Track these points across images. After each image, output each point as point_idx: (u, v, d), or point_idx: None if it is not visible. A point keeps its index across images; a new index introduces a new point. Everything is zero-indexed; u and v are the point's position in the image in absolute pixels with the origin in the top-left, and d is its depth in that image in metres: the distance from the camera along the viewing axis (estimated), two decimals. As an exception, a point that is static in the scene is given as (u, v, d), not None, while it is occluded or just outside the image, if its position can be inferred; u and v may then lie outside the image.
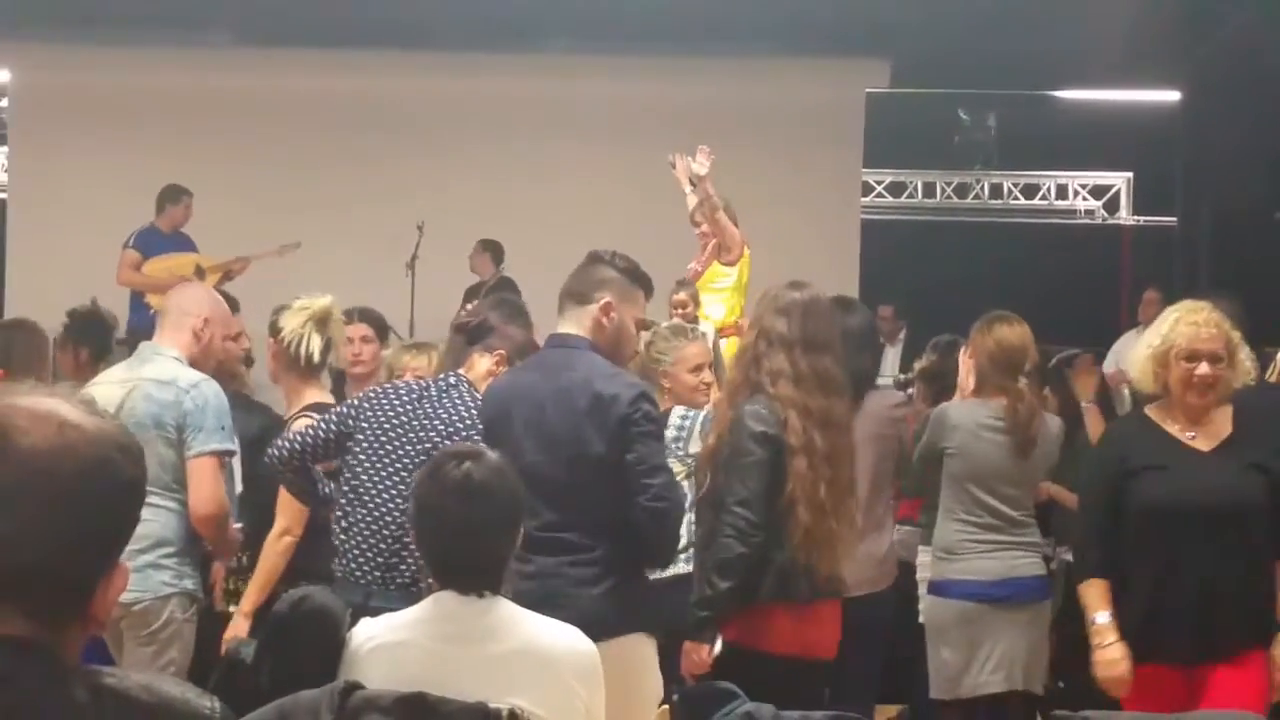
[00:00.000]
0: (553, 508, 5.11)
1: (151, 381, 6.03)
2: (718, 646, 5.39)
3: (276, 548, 6.15)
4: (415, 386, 5.80)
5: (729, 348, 9.63)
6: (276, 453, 5.78)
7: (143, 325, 10.95)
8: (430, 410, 5.66)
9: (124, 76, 15.53)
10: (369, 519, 5.61)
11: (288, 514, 6.12)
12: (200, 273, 12.90)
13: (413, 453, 5.60)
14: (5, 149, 16.84)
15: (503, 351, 5.85)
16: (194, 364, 6.13)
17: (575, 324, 5.39)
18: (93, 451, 2.06)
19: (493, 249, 14.28)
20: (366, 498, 5.64)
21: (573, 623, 4.23)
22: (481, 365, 5.86)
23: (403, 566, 5.52)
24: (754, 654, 5.37)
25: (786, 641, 5.45)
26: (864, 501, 6.33)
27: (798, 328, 5.57)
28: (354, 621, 4.08)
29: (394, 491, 5.58)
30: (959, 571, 6.51)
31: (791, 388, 5.48)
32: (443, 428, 5.62)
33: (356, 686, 3.78)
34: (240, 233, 13.64)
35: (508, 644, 3.96)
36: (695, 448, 6.47)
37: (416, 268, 13.99)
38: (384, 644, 3.98)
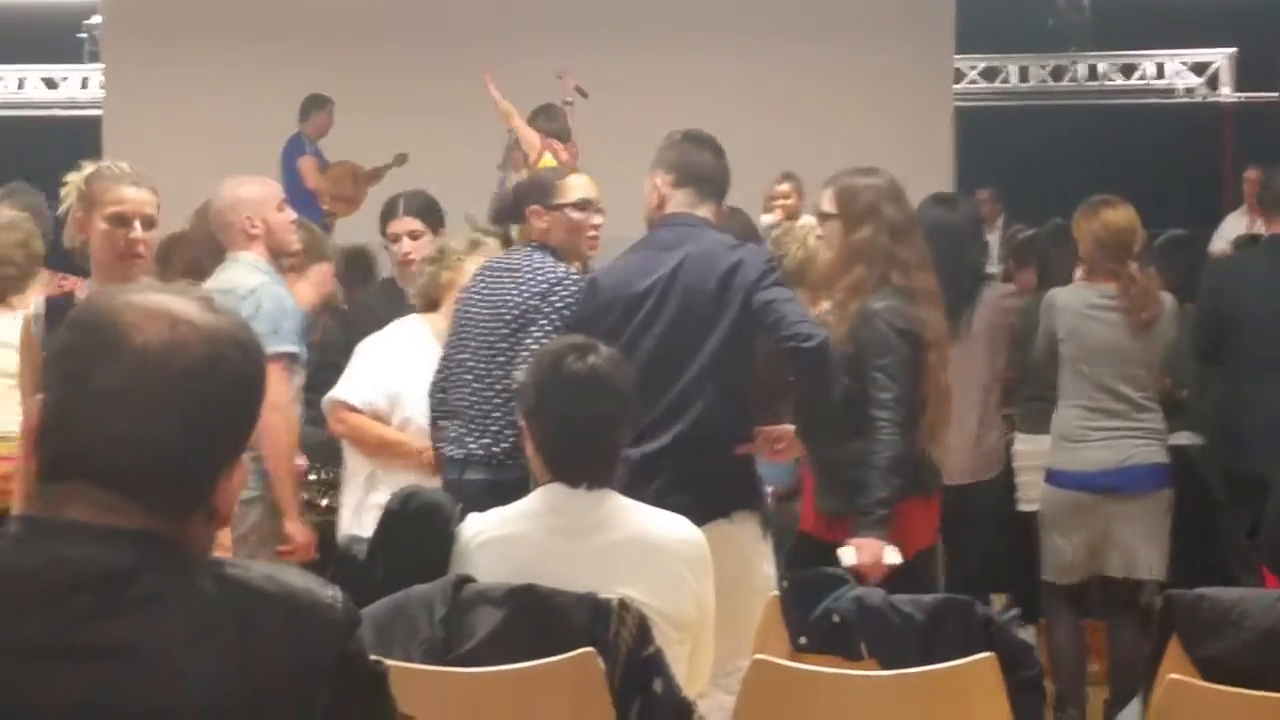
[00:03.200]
0: (664, 387, 5.14)
1: (216, 292, 6.05)
2: (895, 553, 5.17)
3: None
4: (494, 263, 5.88)
5: None
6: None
7: None
8: (508, 282, 5.75)
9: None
10: (460, 396, 5.73)
11: None
12: (356, 180, 13.10)
13: (490, 326, 5.69)
14: (100, 67, 16.96)
15: None
16: (274, 254, 5.99)
17: (706, 212, 5.42)
18: (205, 348, 2.06)
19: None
20: (456, 374, 5.75)
21: (681, 505, 4.30)
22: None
23: (492, 439, 5.61)
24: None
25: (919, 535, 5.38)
26: (983, 391, 6.34)
27: (910, 212, 5.52)
28: (462, 516, 4.12)
29: (480, 369, 5.70)
30: (1074, 462, 6.47)
31: (924, 276, 5.37)
32: (518, 297, 5.68)
33: (468, 579, 3.83)
34: (340, 143, 13.69)
35: (617, 535, 3.99)
36: None
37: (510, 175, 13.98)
38: (494, 538, 4.01)
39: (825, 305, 5.61)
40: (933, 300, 5.38)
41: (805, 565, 5.04)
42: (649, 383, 4.91)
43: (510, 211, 6.04)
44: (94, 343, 2.07)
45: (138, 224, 5.08)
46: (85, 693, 1.95)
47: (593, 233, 5.85)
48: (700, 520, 4.53)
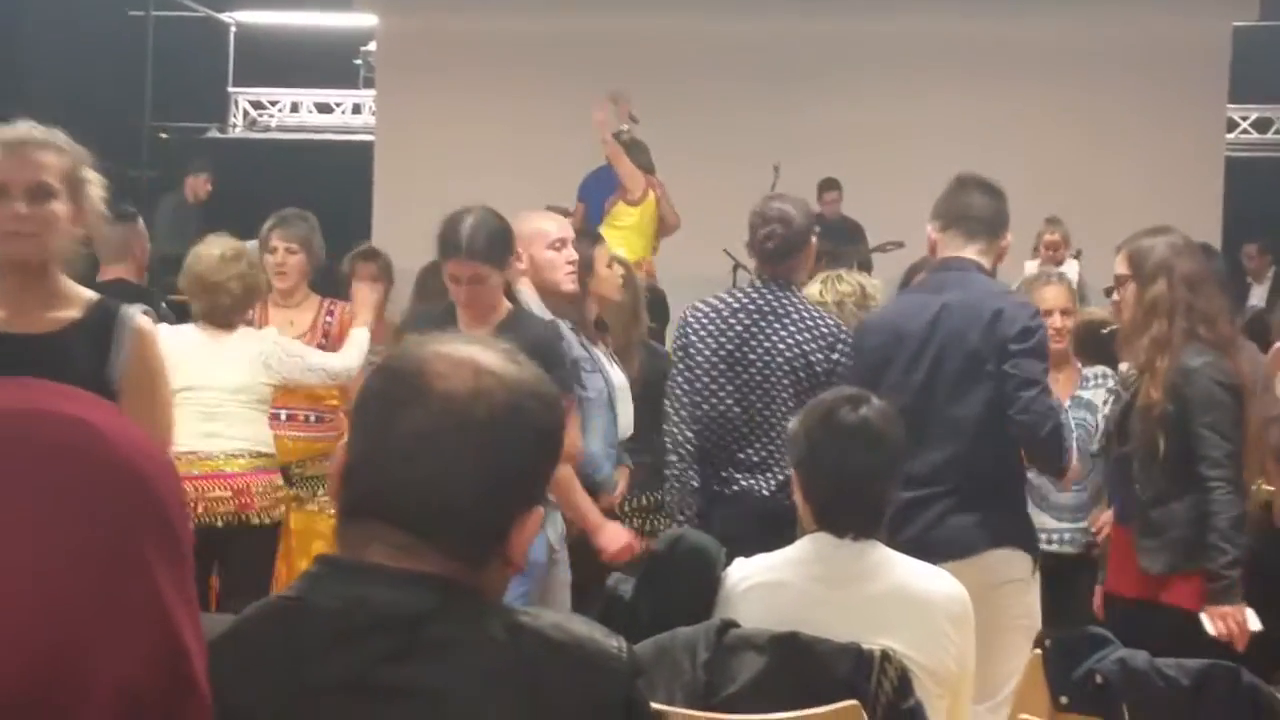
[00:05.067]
0: (927, 435, 5.15)
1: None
2: (1254, 618, 5.15)
3: None
4: (748, 302, 5.96)
5: None
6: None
7: None
8: (779, 328, 5.85)
9: (484, 19, 15.87)
10: (720, 436, 5.86)
11: None
12: None
13: (769, 373, 5.82)
14: (373, 92, 17.34)
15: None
16: (542, 292, 6.05)
17: (976, 252, 5.45)
18: (507, 398, 2.12)
19: (838, 186, 14.47)
20: (707, 408, 5.88)
21: (939, 544, 4.57)
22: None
23: (762, 480, 5.77)
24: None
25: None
26: None
27: (1205, 266, 5.47)
28: (728, 561, 4.16)
29: (730, 402, 5.85)
30: None
31: (1229, 328, 5.38)
32: (784, 348, 5.80)
33: (732, 624, 3.86)
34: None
35: (880, 586, 3.98)
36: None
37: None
38: (759, 584, 4.03)
39: (1124, 366, 5.58)
40: (1238, 349, 5.32)
41: (1120, 625, 5.00)
42: (911, 430, 4.92)
43: (803, 245, 6.05)
44: (401, 388, 2.14)
45: (20, 197, 4.00)
46: None
47: None
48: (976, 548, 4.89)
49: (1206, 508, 5.15)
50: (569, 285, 6.09)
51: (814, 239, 6.07)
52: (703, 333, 5.94)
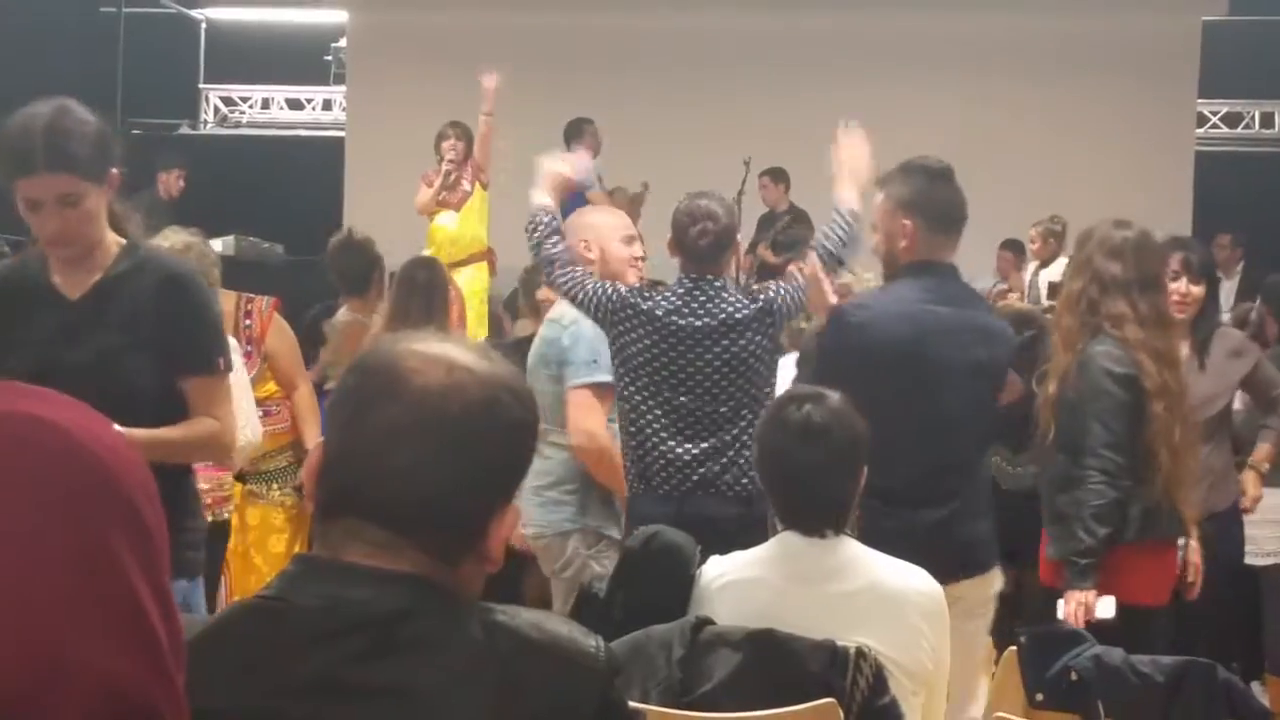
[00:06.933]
0: (939, 447, 5.15)
1: (547, 321, 6.10)
2: (1109, 605, 5.14)
3: None
4: (688, 300, 5.68)
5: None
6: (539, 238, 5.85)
7: None
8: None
9: (454, 14, 15.85)
10: (668, 431, 5.65)
11: None
12: (631, 207, 13.24)
13: (703, 376, 5.63)
14: (344, 89, 17.30)
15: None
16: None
17: (949, 251, 5.37)
18: (481, 393, 2.12)
19: (785, 179, 14.44)
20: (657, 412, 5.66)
21: (972, 561, 4.69)
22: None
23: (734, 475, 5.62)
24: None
25: (1146, 589, 5.28)
26: None
27: (1132, 269, 5.44)
28: (703, 557, 4.16)
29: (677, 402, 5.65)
30: None
31: (1138, 329, 5.33)
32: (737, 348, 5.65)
33: (707, 621, 3.86)
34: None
35: (854, 583, 3.98)
36: None
37: (743, 203, 14.02)
38: (733, 581, 4.04)
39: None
40: (1153, 353, 5.29)
41: (1038, 614, 5.11)
42: (921, 445, 5.05)
43: (730, 242, 5.97)
44: (375, 385, 2.14)
45: None
46: None
47: None
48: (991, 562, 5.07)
49: (1077, 495, 5.17)
50: (634, 280, 5.96)
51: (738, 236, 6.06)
52: (638, 332, 5.65)
